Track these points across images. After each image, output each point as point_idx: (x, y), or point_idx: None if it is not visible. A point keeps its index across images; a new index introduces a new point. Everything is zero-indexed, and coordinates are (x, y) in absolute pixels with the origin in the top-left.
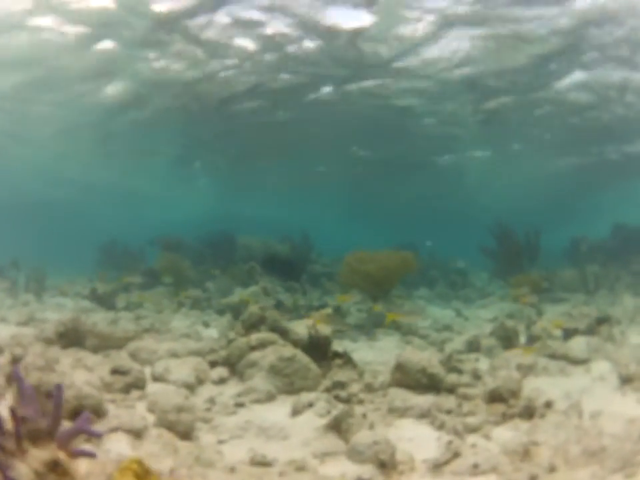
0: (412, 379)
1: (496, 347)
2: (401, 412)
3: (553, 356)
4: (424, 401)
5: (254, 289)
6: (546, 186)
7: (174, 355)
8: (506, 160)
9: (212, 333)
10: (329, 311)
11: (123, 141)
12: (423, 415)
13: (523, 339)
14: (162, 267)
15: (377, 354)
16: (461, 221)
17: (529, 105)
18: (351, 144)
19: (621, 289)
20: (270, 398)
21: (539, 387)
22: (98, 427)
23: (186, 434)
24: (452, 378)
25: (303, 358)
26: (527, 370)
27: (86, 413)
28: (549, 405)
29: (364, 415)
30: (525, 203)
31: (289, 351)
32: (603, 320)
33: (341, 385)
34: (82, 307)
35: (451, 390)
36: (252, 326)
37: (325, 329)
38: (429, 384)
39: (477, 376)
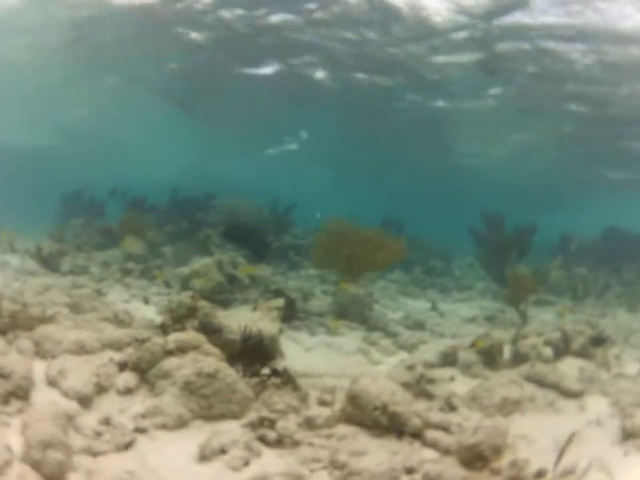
0: (368, 417)
1: (476, 364)
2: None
3: (541, 383)
4: (380, 453)
5: (207, 261)
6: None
7: (81, 347)
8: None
9: (149, 312)
10: (280, 302)
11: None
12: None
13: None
14: (121, 227)
15: (333, 358)
16: (455, 200)
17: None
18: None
19: (611, 298)
20: (180, 424)
21: (527, 432)
22: None
23: (55, 478)
24: (419, 414)
25: (228, 375)
26: (512, 406)
27: None
28: (540, 474)
29: None
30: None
31: (211, 364)
32: (599, 341)
33: (270, 423)
34: (26, 267)
35: (417, 435)
36: (179, 319)
37: (271, 327)
38: (389, 425)
39: (451, 406)
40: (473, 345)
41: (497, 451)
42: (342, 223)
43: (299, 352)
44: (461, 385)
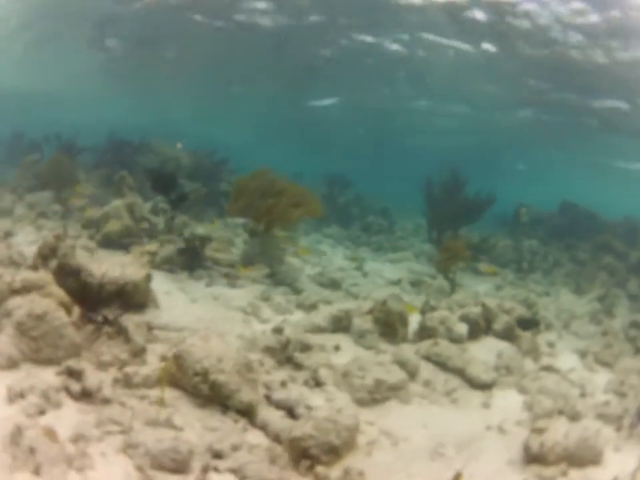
0: (188, 383)
1: (371, 334)
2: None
3: (443, 366)
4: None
5: (117, 204)
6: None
7: None
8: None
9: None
10: (153, 247)
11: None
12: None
13: (414, 326)
14: (44, 170)
15: (216, 312)
16: (409, 156)
17: None
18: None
19: (558, 276)
20: (11, 365)
21: (399, 428)
22: None
23: None
24: (254, 386)
25: (56, 318)
26: (388, 391)
27: None
28: None
29: None
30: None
31: (41, 305)
32: (528, 323)
33: (78, 374)
34: None
35: (245, 412)
36: (44, 258)
37: (137, 272)
38: (210, 395)
39: (317, 382)
40: (371, 311)
41: (332, 451)
42: (261, 173)
43: (183, 302)
44: (346, 357)
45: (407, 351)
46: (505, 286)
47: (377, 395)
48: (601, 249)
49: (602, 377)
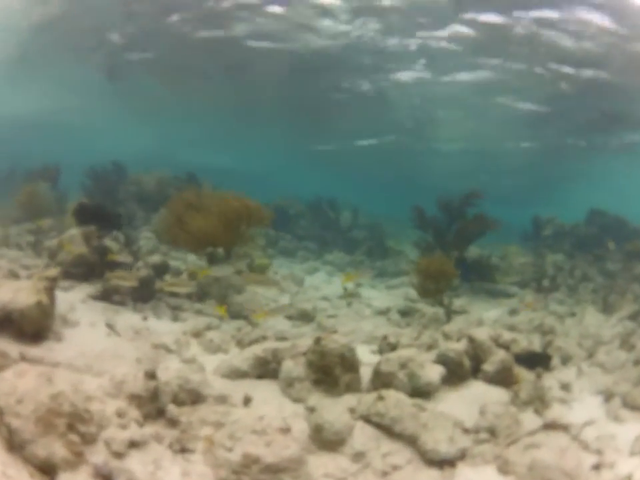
0: None
1: (301, 381)
2: None
3: (389, 431)
4: None
5: (73, 232)
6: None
7: None
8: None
9: None
10: (53, 273)
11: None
12: None
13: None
14: (21, 201)
15: (118, 346)
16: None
17: None
18: None
19: (585, 293)
20: None
21: None
22: None
23: None
24: None
25: None
26: (274, 473)
27: None
28: None
29: None
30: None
31: None
32: (536, 358)
33: None
34: None
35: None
36: None
37: (27, 299)
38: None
39: (182, 447)
40: (313, 348)
41: None
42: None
43: (96, 336)
44: (260, 412)
45: (338, 407)
46: (522, 309)
47: (245, 477)
48: (633, 258)
49: (631, 430)
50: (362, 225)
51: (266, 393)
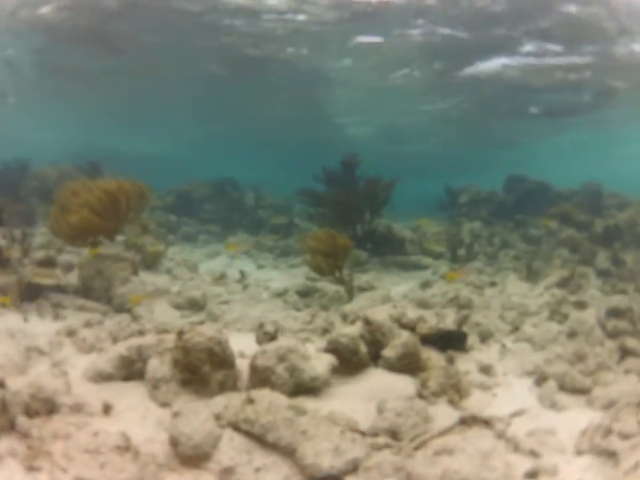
0: None
1: (166, 382)
2: None
3: (261, 440)
4: None
5: None
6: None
7: None
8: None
9: None
10: None
11: None
12: None
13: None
14: None
15: None
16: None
17: None
18: None
19: (505, 261)
20: None
21: None
22: None
23: None
24: None
25: None
26: None
27: None
28: None
29: None
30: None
31: None
32: (448, 338)
33: None
34: None
35: None
36: None
37: None
38: None
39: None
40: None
41: None
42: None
43: None
44: (121, 423)
45: (202, 414)
46: (436, 281)
47: None
48: (560, 222)
49: (573, 420)
50: (269, 205)
51: (132, 398)
